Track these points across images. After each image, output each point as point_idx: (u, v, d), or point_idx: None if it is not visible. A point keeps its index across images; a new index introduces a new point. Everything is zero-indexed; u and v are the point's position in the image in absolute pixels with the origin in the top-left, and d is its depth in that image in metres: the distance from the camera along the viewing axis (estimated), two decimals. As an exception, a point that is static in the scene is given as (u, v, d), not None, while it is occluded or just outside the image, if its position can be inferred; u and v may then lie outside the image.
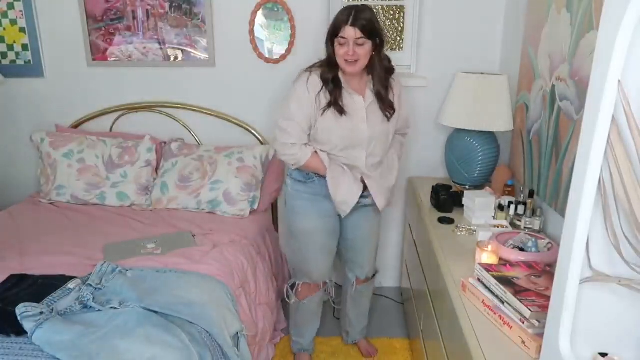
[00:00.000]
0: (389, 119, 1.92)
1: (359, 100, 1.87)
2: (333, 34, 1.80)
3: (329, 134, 1.87)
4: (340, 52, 1.79)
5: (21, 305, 1.45)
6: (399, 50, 2.52)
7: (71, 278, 1.69)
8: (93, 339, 1.38)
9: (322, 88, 1.84)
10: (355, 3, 1.85)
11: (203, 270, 1.80)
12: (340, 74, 1.85)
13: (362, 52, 1.78)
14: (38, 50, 2.58)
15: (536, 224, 1.79)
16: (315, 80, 1.85)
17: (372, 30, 1.77)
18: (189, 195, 2.36)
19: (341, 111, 1.84)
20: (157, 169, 2.50)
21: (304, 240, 2.03)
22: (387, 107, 1.90)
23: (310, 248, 2.04)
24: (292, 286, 2.16)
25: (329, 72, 1.84)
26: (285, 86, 2.23)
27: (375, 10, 1.84)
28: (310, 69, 1.89)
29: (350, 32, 1.74)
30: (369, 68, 1.87)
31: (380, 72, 1.88)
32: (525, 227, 1.79)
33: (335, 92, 1.84)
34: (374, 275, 2.28)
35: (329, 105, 1.84)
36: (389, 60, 1.93)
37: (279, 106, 2.16)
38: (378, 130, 1.90)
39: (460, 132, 2.26)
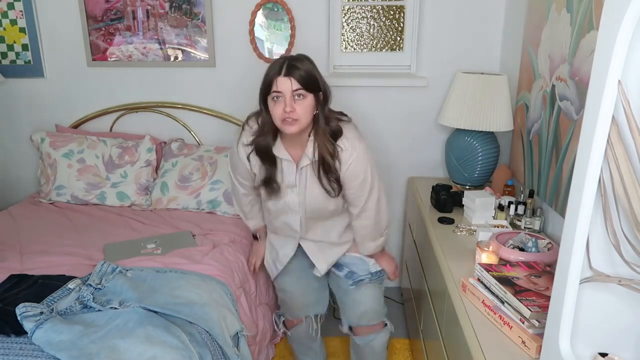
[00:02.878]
0: (330, 195, 1.62)
1: (291, 166, 1.63)
2: (265, 91, 1.52)
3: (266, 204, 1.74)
4: (275, 111, 1.50)
5: (21, 305, 1.45)
6: (399, 50, 2.52)
7: (71, 278, 1.69)
8: (93, 338, 1.38)
9: (252, 152, 1.65)
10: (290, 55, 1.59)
11: (203, 270, 1.80)
12: (276, 138, 1.62)
13: (301, 108, 1.49)
14: (38, 50, 2.58)
15: (536, 224, 1.79)
16: (247, 146, 1.64)
17: (311, 82, 1.50)
18: (189, 195, 2.36)
19: (277, 190, 1.64)
20: (157, 169, 2.51)
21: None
22: (329, 179, 1.60)
23: (285, 287, 1.90)
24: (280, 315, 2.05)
25: (265, 139, 1.59)
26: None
27: (312, 63, 1.55)
28: (246, 123, 1.67)
29: (285, 84, 1.47)
30: (312, 128, 1.58)
31: (324, 134, 1.56)
32: (525, 227, 1.79)
33: (268, 166, 1.62)
34: (384, 325, 1.89)
35: (263, 183, 1.65)
36: (337, 121, 1.61)
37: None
38: (317, 202, 1.66)
39: (460, 132, 2.26)
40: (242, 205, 1.87)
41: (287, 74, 1.47)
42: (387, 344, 1.94)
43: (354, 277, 1.79)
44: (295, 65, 1.48)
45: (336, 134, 1.59)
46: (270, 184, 1.65)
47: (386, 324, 1.90)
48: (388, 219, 1.78)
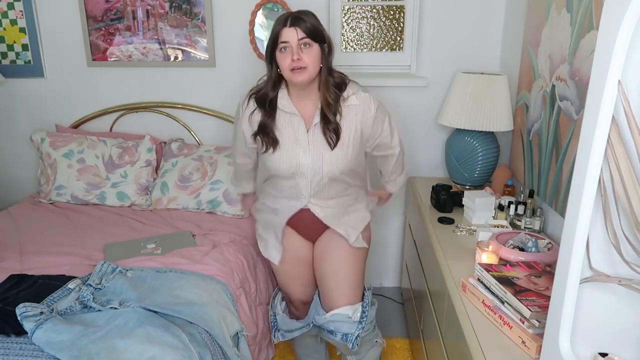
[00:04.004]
0: (331, 147, 1.65)
1: (299, 122, 1.66)
2: (273, 45, 1.58)
3: (266, 162, 1.72)
4: (284, 62, 1.56)
5: (21, 305, 1.45)
6: (399, 50, 2.52)
7: (71, 278, 1.69)
8: (93, 339, 1.38)
9: (254, 110, 1.70)
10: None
11: (203, 270, 1.80)
12: (281, 91, 1.67)
13: (308, 57, 1.55)
14: (38, 50, 2.58)
15: (536, 224, 1.79)
16: (251, 104, 1.71)
17: (316, 32, 1.56)
18: (189, 195, 2.36)
19: (273, 142, 1.65)
20: (157, 169, 2.51)
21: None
22: (330, 130, 1.63)
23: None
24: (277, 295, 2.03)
25: (268, 91, 1.65)
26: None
27: (316, 18, 1.62)
28: (253, 89, 1.73)
29: (291, 34, 1.53)
30: (319, 82, 1.64)
31: (327, 86, 1.62)
32: (525, 227, 1.79)
33: (265, 118, 1.66)
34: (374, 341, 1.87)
35: (257, 134, 1.68)
36: (341, 74, 1.68)
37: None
38: (327, 159, 1.66)
39: (460, 132, 2.26)
40: (237, 174, 1.96)
41: (293, 25, 1.54)
42: (379, 356, 1.96)
43: (349, 337, 1.75)
44: (300, 17, 1.55)
45: (340, 85, 1.66)
46: (267, 132, 1.67)
47: (377, 341, 1.89)
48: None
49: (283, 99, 1.67)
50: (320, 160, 1.67)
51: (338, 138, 1.65)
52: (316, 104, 1.66)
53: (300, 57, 1.54)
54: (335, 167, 1.68)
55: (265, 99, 1.66)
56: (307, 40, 1.55)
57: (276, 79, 1.65)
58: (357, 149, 1.72)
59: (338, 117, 1.65)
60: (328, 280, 1.80)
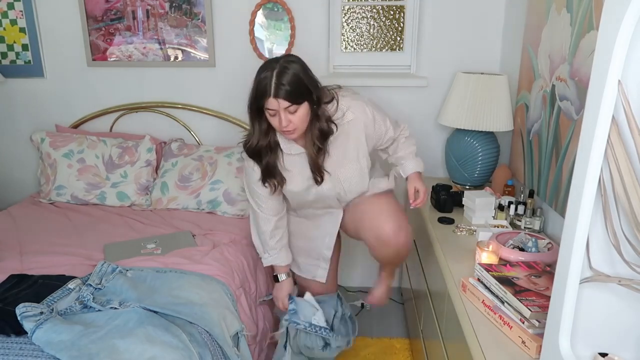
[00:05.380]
0: (317, 183, 1.72)
1: (300, 150, 1.70)
2: (258, 104, 1.57)
3: (292, 199, 1.81)
4: (273, 123, 1.59)
5: (21, 305, 1.45)
6: (399, 50, 2.52)
7: (71, 278, 1.69)
8: (93, 338, 1.38)
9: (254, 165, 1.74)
10: (277, 58, 1.58)
11: (203, 270, 1.80)
12: (280, 136, 1.69)
13: (296, 119, 1.55)
14: (38, 50, 2.58)
15: (536, 224, 1.79)
16: (251, 163, 1.74)
17: (300, 94, 1.53)
18: (189, 195, 2.36)
19: (280, 181, 1.72)
20: (157, 169, 2.50)
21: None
22: (316, 170, 1.70)
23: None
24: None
25: (259, 143, 1.66)
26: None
27: (300, 65, 1.57)
28: (245, 147, 1.73)
29: (275, 104, 1.51)
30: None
31: (315, 133, 1.63)
32: (525, 227, 1.79)
33: (267, 160, 1.69)
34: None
35: (264, 180, 1.72)
36: (328, 120, 1.65)
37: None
38: (343, 178, 1.75)
39: (460, 132, 2.26)
40: (262, 234, 1.88)
41: (276, 95, 1.50)
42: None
43: (295, 318, 1.86)
44: (281, 84, 1.50)
45: (325, 134, 1.65)
46: (274, 174, 1.71)
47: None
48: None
49: (284, 142, 1.70)
50: (338, 182, 1.75)
51: (321, 176, 1.71)
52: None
53: (289, 121, 1.54)
54: (354, 182, 1.76)
55: (261, 151, 1.68)
56: (293, 107, 1.53)
57: (267, 129, 1.65)
58: (368, 159, 1.78)
59: (343, 137, 1.69)
60: (370, 210, 1.79)
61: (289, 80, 1.50)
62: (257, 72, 1.57)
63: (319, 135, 1.63)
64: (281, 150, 1.71)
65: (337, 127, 1.65)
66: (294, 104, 1.52)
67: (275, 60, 1.56)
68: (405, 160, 1.90)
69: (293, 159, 1.72)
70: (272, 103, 1.51)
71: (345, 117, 1.68)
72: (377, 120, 1.76)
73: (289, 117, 1.54)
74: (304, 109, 1.56)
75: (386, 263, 1.91)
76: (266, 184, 1.74)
